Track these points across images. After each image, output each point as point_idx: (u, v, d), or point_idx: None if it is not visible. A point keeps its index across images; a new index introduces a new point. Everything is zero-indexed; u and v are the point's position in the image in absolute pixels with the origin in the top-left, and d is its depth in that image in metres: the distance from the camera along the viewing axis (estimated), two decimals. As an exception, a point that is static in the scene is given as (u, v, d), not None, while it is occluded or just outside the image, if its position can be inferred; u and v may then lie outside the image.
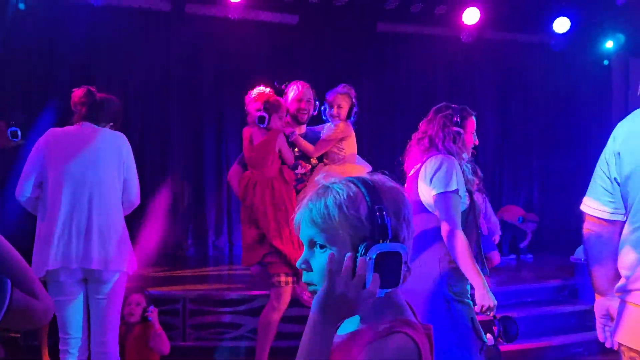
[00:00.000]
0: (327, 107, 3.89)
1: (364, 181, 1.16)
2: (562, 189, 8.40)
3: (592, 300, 2.06)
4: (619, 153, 1.79)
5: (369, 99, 8.60)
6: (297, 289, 3.75)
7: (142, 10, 7.54)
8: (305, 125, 3.95)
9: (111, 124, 3.31)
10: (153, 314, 3.88)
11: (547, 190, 8.85)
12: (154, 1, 7.57)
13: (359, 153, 8.48)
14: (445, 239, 2.54)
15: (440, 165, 2.62)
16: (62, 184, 3.09)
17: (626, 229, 1.80)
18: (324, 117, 3.91)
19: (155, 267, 6.66)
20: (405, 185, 2.80)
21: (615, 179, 1.81)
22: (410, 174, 2.80)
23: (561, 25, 8.37)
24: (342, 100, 3.89)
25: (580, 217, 1.96)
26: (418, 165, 2.73)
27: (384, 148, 8.86)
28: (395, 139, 8.73)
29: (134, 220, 3.72)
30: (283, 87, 3.89)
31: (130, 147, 3.25)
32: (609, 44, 8.75)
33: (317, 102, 3.95)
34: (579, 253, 5.91)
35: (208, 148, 8.26)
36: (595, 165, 1.85)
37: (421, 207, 2.65)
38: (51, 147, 3.15)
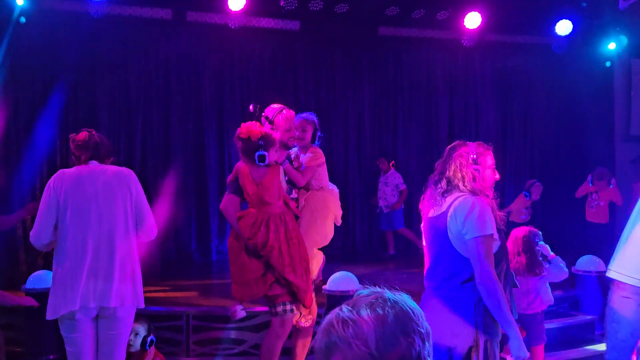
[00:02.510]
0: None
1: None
2: (563, 198, 8.19)
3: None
4: None
5: (370, 102, 8.66)
6: (295, 315, 3.72)
7: (143, 19, 7.39)
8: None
9: (113, 158, 3.35)
10: (151, 348, 3.86)
11: (549, 199, 8.54)
12: (155, 10, 7.45)
13: (361, 156, 8.82)
14: (479, 286, 2.44)
15: (472, 206, 2.49)
16: (81, 227, 3.10)
17: None
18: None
19: (160, 275, 6.64)
20: (424, 226, 2.72)
21: None
22: (430, 215, 2.67)
23: (563, 27, 8.28)
24: (307, 124, 3.97)
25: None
26: (443, 208, 2.58)
27: (385, 150, 8.83)
28: (397, 141, 8.73)
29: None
30: (257, 110, 3.82)
31: (137, 180, 3.24)
32: (611, 46, 8.62)
33: None
34: (581, 265, 5.81)
35: (210, 152, 8.16)
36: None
37: (451, 251, 2.53)
38: (64, 188, 3.13)
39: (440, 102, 8.98)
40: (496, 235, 2.51)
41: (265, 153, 3.53)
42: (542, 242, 4.05)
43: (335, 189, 4.03)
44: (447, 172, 2.61)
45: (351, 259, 7.98)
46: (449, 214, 2.51)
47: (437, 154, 2.79)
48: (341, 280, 4.49)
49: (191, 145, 8.08)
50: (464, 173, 2.59)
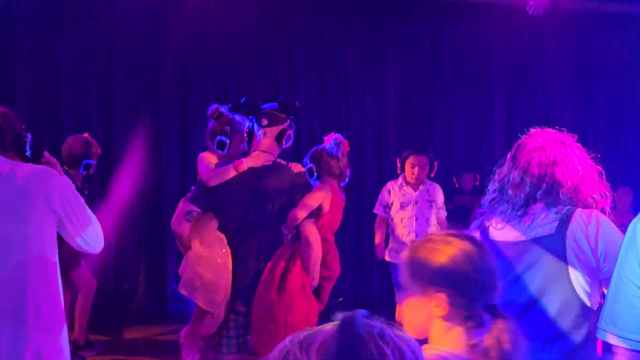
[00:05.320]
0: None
1: None
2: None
3: None
4: None
5: (397, 89, 7.76)
6: None
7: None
8: None
9: (27, 149, 2.86)
10: None
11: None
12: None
13: (382, 163, 7.97)
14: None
15: (610, 227, 2.06)
16: None
17: None
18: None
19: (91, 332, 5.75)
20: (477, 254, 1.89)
21: None
22: (504, 239, 2.18)
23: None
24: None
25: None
26: (543, 226, 2.09)
27: (417, 145, 7.89)
28: (433, 144, 7.79)
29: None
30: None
31: (63, 182, 2.75)
32: None
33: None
34: None
35: (171, 150, 7.11)
36: None
37: (568, 296, 2.05)
38: None
39: (496, 90, 8.04)
40: None
41: None
42: None
43: None
44: (552, 168, 2.14)
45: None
46: (569, 236, 2.06)
47: (489, 162, 2.29)
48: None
49: (142, 141, 6.87)
50: (591, 176, 2.17)
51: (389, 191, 5.37)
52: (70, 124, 6.82)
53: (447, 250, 1.50)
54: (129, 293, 6.91)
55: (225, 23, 7.19)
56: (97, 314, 6.46)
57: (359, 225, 7.22)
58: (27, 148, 2.85)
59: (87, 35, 6.82)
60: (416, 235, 5.11)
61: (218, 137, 3.55)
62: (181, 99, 7.13)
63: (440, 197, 5.32)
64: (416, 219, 5.24)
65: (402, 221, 5.25)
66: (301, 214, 3.23)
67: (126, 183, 6.62)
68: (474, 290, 1.47)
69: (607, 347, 1.69)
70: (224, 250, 3.32)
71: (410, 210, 5.15)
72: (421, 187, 5.33)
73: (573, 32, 7.99)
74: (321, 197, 3.39)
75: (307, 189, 3.34)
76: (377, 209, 5.49)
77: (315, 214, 3.38)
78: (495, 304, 1.48)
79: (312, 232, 3.28)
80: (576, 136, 2.26)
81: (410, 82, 7.80)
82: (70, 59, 6.83)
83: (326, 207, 3.46)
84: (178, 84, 7.13)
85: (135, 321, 6.62)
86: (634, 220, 1.61)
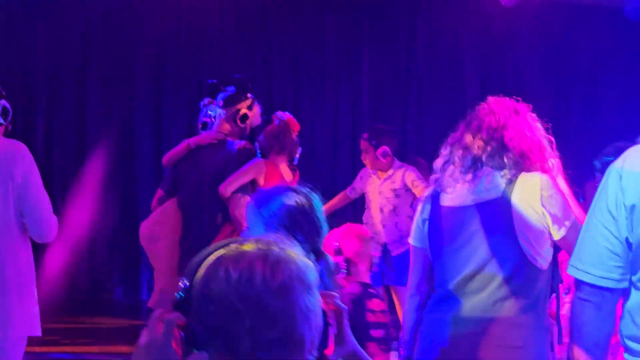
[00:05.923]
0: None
1: None
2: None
3: None
4: (633, 206, 1.62)
5: (370, 79, 7.75)
6: None
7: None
8: None
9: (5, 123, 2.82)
10: None
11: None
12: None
13: (357, 150, 7.36)
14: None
15: (553, 189, 2.13)
16: None
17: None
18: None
19: (62, 317, 5.71)
20: (439, 220, 2.25)
21: (627, 239, 1.65)
22: (453, 204, 2.21)
23: (641, -17, 7.21)
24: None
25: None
26: (490, 191, 2.15)
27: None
28: (406, 131, 7.67)
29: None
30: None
31: (29, 158, 2.76)
32: None
33: None
34: None
35: (142, 142, 7.10)
36: None
37: (518, 258, 2.11)
38: None
39: (469, 82, 8.02)
40: None
41: None
42: None
43: None
44: (510, 133, 2.18)
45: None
46: (515, 198, 2.13)
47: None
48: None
49: (116, 132, 6.92)
50: (539, 144, 2.22)
51: (361, 178, 5.09)
52: (42, 115, 6.77)
53: (286, 201, 1.86)
54: (103, 282, 6.87)
55: (199, 11, 7.06)
56: (70, 303, 6.38)
57: (330, 222, 7.14)
58: None
59: (61, 23, 6.72)
60: (383, 227, 4.67)
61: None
62: (154, 88, 7.09)
63: (405, 181, 4.71)
64: (380, 210, 4.78)
65: (370, 210, 4.94)
66: (227, 189, 3.23)
67: (99, 173, 6.56)
68: (303, 235, 1.81)
69: (578, 286, 1.80)
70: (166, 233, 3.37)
71: (375, 201, 4.80)
72: (385, 177, 4.83)
73: (545, 23, 7.88)
74: (252, 173, 3.35)
75: (242, 164, 3.33)
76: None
77: (250, 190, 3.33)
78: (319, 248, 1.86)
79: (237, 207, 3.24)
80: (531, 106, 2.30)
81: (384, 75, 7.76)
82: (43, 49, 6.76)
83: (261, 182, 3.40)
84: (151, 71, 7.11)
85: (108, 310, 6.59)
86: (610, 166, 1.70)
